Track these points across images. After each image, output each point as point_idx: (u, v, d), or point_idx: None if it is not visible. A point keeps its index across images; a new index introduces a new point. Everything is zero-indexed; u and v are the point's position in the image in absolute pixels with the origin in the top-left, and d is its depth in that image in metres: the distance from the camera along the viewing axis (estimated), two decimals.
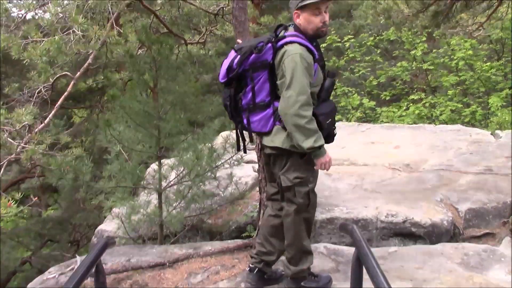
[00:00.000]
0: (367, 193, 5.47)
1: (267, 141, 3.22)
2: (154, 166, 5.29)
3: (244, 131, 3.36)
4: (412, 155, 6.89)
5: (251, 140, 3.44)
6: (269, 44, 3.08)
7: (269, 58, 3.07)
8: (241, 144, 3.44)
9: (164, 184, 4.85)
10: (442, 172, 6.03)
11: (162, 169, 4.86)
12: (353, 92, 13.45)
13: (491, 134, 7.85)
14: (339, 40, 14.30)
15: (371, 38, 14.39)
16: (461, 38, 12.62)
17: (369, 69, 14.22)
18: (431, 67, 13.21)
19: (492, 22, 9.39)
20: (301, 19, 3.14)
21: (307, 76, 3.01)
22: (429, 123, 11.57)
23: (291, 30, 3.20)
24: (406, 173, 6.18)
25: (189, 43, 8.93)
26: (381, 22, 8.04)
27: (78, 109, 14.85)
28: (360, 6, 16.51)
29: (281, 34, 3.15)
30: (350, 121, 11.76)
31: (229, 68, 3.08)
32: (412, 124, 10.73)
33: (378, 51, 14.86)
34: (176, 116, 4.74)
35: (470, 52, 12.11)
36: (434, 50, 13.91)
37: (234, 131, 3.45)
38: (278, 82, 3.09)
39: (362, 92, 13.91)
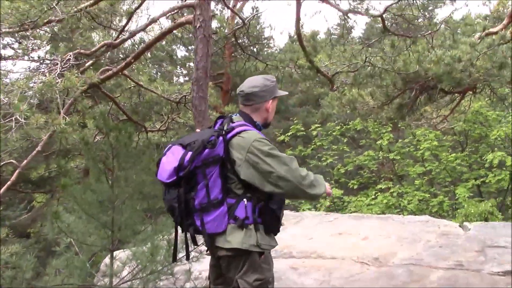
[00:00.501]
0: None
1: (221, 242, 2.94)
2: (107, 260, 4.92)
3: (196, 235, 3.05)
4: (381, 247, 6.68)
5: (208, 245, 3.06)
6: (220, 138, 2.91)
7: (221, 152, 2.90)
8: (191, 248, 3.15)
9: (116, 280, 4.47)
10: (412, 267, 5.81)
11: (115, 264, 4.50)
12: None
13: (459, 226, 7.75)
14: (303, 129, 14.49)
15: (338, 127, 14.60)
16: (426, 129, 12.90)
17: (336, 157, 14.33)
18: (398, 157, 13.36)
19: (456, 115, 9.63)
20: (270, 108, 3.07)
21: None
22: (397, 212, 11.50)
23: (238, 120, 3.07)
24: (375, 268, 5.92)
25: (150, 131, 8.72)
26: (347, 112, 8.13)
27: (38, 193, 14.36)
28: (326, 97, 16.99)
29: (226, 126, 3.00)
30: (318, 210, 11.59)
31: (180, 166, 2.83)
32: (380, 213, 10.62)
33: (345, 140, 15.04)
34: (133, 207, 4.46)
35: (436, 143, 12.34)
36: (399, 140, 14.15)
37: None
38: (245, 175, 2.89)
39: (332, 181, 13.86)
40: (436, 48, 6.12)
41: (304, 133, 14.50)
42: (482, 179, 12.13)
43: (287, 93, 3.45)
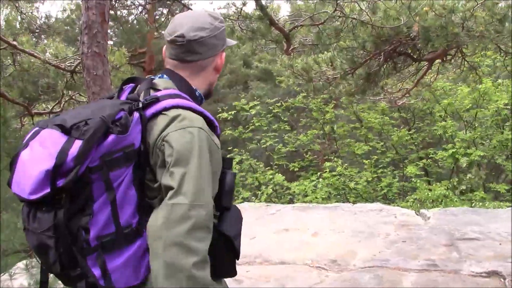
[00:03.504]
0: None
1: None
2: None
3: None
4: (336, 245, 5.76)
5: None
6: (136, 115, 1.54)
7: (137, 141, 1.53)
8: None
9: None
10: (379, 271, 4.90)
11: None
12: (260, 165, 12.35)
13: (416, 213, 7.00)
14: (245, 107, 13.38)
15: (278, 105, 13.59)
16: (369, 106, 12.21)
17: (276, 140, 13.29)
18: (345, 133, 12.64)
19: (420, 89, 8.71)
20: (219, 65, 1.78)
21: (212, 174, 1.58)
22: (344, 194, 10.77)
23: (166, 86, 1.74)
24: (334, 273, 4.97)
25: (37, 114, 6.60)
26: (299, 84, 6.85)
27: None
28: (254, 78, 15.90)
29: (143, 95, 1.69)
30: (260, 199, 10.55)
31: (57, 169, 1.41)
32: (326, 197, 9.83)
33: (285, 119, 14.12)
34: (12, 223, 3.22)
35: (387, 118, 11.64)
36: (340, 112, 13.41)
37: None
38: (163, 180, 1.57)
39: (275, 166, 12.79)
40: None
41: (248, 113, 13.30)
42: (430, 157, 11.52)
43: (235, 42, 2.00)
